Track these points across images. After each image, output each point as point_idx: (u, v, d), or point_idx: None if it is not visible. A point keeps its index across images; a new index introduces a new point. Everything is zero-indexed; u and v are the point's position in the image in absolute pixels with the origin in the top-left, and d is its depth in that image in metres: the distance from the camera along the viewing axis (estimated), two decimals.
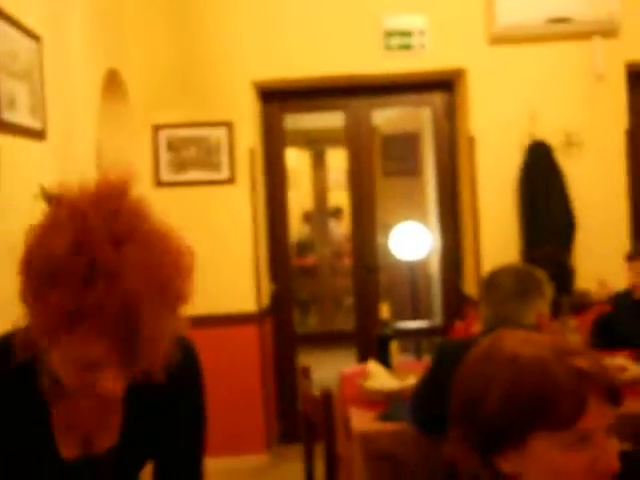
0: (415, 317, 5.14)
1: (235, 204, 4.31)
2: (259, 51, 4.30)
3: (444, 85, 4.65)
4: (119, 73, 3.88)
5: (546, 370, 1.02)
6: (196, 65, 4.31)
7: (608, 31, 4.24)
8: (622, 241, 4.19)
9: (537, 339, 1.09)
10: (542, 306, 2.26)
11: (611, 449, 1.01)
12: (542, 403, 1.00)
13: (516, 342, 1.09)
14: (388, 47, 4.32)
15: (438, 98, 4.70)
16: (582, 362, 1.03)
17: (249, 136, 4.35)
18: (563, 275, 3.23)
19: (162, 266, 1.06)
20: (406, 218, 5.12)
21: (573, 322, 2.87)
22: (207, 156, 4.32)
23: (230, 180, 4.31)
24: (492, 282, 2.25)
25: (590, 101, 4.29)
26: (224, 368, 4.25)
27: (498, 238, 4.24)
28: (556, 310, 2.81)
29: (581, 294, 3.22)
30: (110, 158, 3.72)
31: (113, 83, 3.82)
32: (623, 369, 2.71)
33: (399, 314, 5.43)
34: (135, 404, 1.25)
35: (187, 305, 1.15)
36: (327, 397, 2.50)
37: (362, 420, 2.48)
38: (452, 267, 4.68)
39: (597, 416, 1.00)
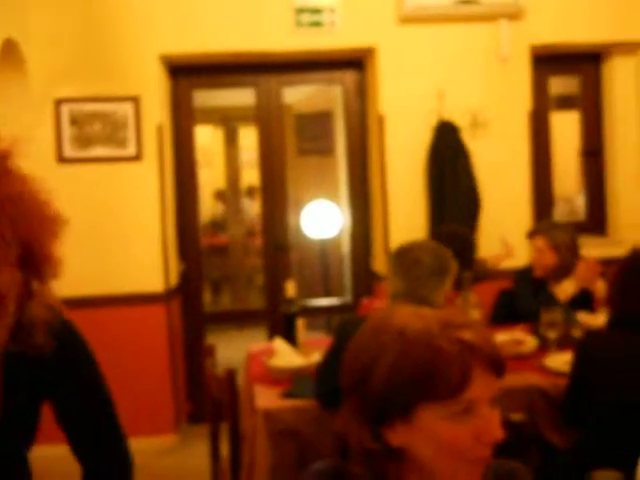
0: (327, 295, 5.17)
1: (142, 182, 4.21)
2: (168, 24, 4.20)
3: (355, 64, 4.65)
4: (17, 43, 3.70)
5: (431, 342, 1.03)
6: (101, 37, 4.16)
7: (513, 14, 4.33)
8: (525, 219, 4.32)
9: (426, 313, 1.10)
10: (450, 284, 2.30)
11: (495, 420, 1.03)
12: (427, 374, 1.01)
13: (405, 316, 1.10)
14: (299, 24, 4.29)
15: (349, 76, 4.70)
16: (467, 334, 1.04)
17: (157, 112, 4.24)
18: (466, 251, 3.29)
19: (30, 223, 1.15)
20: (319, 197, 5.13)
21: (474, 297, 2.93)
22: (113, 132, 4.19)
23: (137, 157, 4.20)
24: (411, 258, 2.25)
25: (496, 82, 4.38)
26: (131, 348, 4.17)
27: (406, 216, 4.30)
28: (458, 285, 2.87)
29: (477, 263, 3.29)
30: (8, 132, 3.56)
31: (10, 53, 3.64)
32: (519, 342, 2.80)
33: (311, 292, 5.46)
34: (14, 373, 1.24)
35: (54, 271, 1.24)
36: (231, 376, 2.48)
37: (266, 397, 2.48)
38: (362, 245, 4.72)
39: (481, 387, 1.02)
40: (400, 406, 1.03)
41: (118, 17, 4.16)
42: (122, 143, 4.20)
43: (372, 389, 1.05)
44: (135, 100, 4.17)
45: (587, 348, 2.08)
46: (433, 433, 1.02)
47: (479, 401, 1.02)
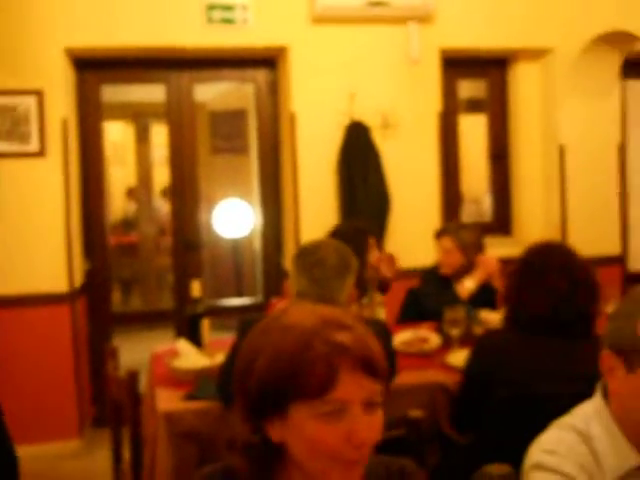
0: (239, 294, 5.12)
1: (45, 178, 4.07)
2: (74, 17, 4.06)
3: (267, 62, 4.63)
4: None
5: (303, 340, 1.03)
6: (3, 28, 3.99)
7: (423, 17, 4.40)
8: (434, 219, 4.40)
9: (318, 311, 1.10)
10: (352, 282, 2.31)
11: (367, 422, 1.03)
12: (295, 371, 1.02)
13: (296, 314, 1.10)
14: (210, 20, 4.23)
15: (261, 75, 4.68)
16: (342, 335, 1.04)
17: (61, 106, 4.10)
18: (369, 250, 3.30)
19: None
20: (233, 195, 5.08)
21: (379, 297, 2.96)
22: (14, 126, 4.04)
23: (40, 153, 4.05)
24: (315, 258, 2.24)
25: (406, 84, 4.44)
26: (34, 351, 4.03)
27: (317, 215, 4.30)
28: (363, 285, 2.89)
29: (370, 270, 3.25)
30: None
31: None
32: (424, 340, 2.84)
33: (224, 291, 5.41)
34: None
35: None
36: (132, 378, 2.42)
37: (168, 400, 2.43)
38: (273, 244, 4.70)
39: (352, 388, 1.02)
40: (274, 403, 1.04)
41: (21, 8, 4.00)
42: (24, 138, 4.04)
43: (251, 385, 1.06)
44: (38, 94, 4.03)
45: (483, 347, 2.13)
46: (304, 431, 1.02)
47: (350, 402, 1.01)
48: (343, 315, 1.11)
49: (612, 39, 4.47)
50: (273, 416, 1.05)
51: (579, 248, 4.52)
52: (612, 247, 4.76)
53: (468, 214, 4.99)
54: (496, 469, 1.55)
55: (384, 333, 2.29)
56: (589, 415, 1.35)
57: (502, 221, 4.91)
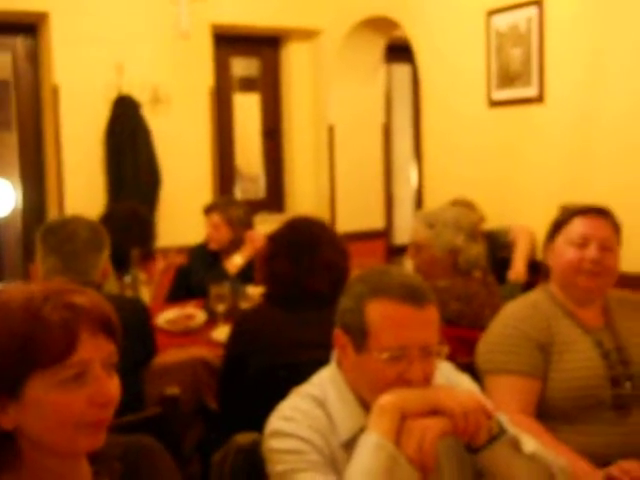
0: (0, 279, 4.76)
1: None
2: None
3: (27, 29, 4.31)
4: None
5: (30, 310, 1.00)
6: None
7: None
8: (206, 196, 4.36)
9: (28, 288, 1.05)
10: (106, 259, 2.21)
11: (109, 381, 1.03)
12: (28, 342, 0.99)
13: (8, 292, 1.05)
14: None
15: (20, 43, 4.35)
16: (78, 298, 1.04)
17: None
18: (143, 228, 3.21)
19: None
20: None
21: (143, 275, 2.88)
22: None
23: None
24: (66, 232, 2.11)
25: (177, 59, 4.35)
26: None
27: (83, 192, 4.10)
28: (126, 263, 2.79)
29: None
30: None
31: None
32: (190, 317, 2.81)
33: None
34: None
35: None
36: None
37: None
38: (36, 224, 4.41)
39: (91, 349, 1.01)
40: (8, 384, 0.99)
41: None
42: None
43: None
44: None
45: (240, 321, 2.13)
46: (45, 404, 0.99)
47: (90, 364, 1.01)
48: (63, 283, 1.08)
49: (375, 24, 4.68)
50: (5, 399, 1.00)
51: (347, 223, 4.77)
52: (377, 222, 5.03)
53: (244, 190, 5.01)
54: (242, 438, 1.56)
55: (141, 311, 2.23)
56: (325, 381, 1.41)
57: (275, 198, 5.00)
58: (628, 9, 3.13)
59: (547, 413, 1.81)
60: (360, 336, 1.31)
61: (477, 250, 2.40)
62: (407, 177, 5.80)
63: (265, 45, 4.99)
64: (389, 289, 1.30)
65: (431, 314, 1.31)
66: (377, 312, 1.29)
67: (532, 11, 3.58)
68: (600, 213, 1.92)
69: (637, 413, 1.81)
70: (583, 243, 1.86)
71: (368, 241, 4.62)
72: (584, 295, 1.90)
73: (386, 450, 1.20)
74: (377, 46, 4.94)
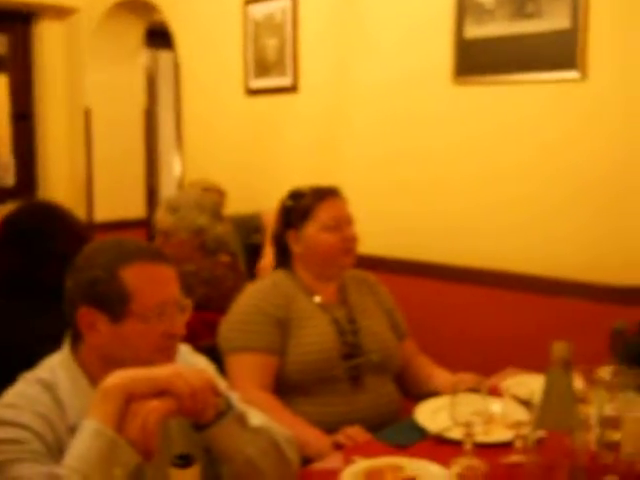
0: None
1: None
2: None
3: None
4: None
5: None
6: None
7: None
8: None
9: None
10: None
11: None
12: None
13: None
14: None
15: None
16: None
17: None
18: None
19: None
20: None
21: None
22: None
23: None
24: None
25: None
26: None
27: None
28: None
29: None
30: None
31: None
32: None
33: None
34: None
35: None
36: None
37: None
38: None
39: None
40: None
41: None
42: None
43: None
44: None
45: None
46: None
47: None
48: None
49: (134, 6, 4.55)
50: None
51: (105, 211, 4.60)
52: (139, 210, 4.89)
53: None
54: None
55: None
56: (55, 365, 1.37)
57: (26, 185, 4.70)
58: (376, 2, 3.30)
59: (286, 386, 1.88)
60: (119, 304, 1.30)
61: (222, 229, 2.44)
62: (171, 164, 5.72)
63: (15, 21, 4.66)
64: (138, 252, 1.35)
65: (173, 271, 1.39)
66: (135, 275, 1.32)
67: (286, 2, 3.67)
68: (335, 194, 2.02)
69: (369, 383, 1.93)
70: (336, 225, 1.97)
71: (128, 230, 4.48)
72: (339, 272, 2.01)
73: (105, 435, 1.18)
74: (136, 29, 4.80)
